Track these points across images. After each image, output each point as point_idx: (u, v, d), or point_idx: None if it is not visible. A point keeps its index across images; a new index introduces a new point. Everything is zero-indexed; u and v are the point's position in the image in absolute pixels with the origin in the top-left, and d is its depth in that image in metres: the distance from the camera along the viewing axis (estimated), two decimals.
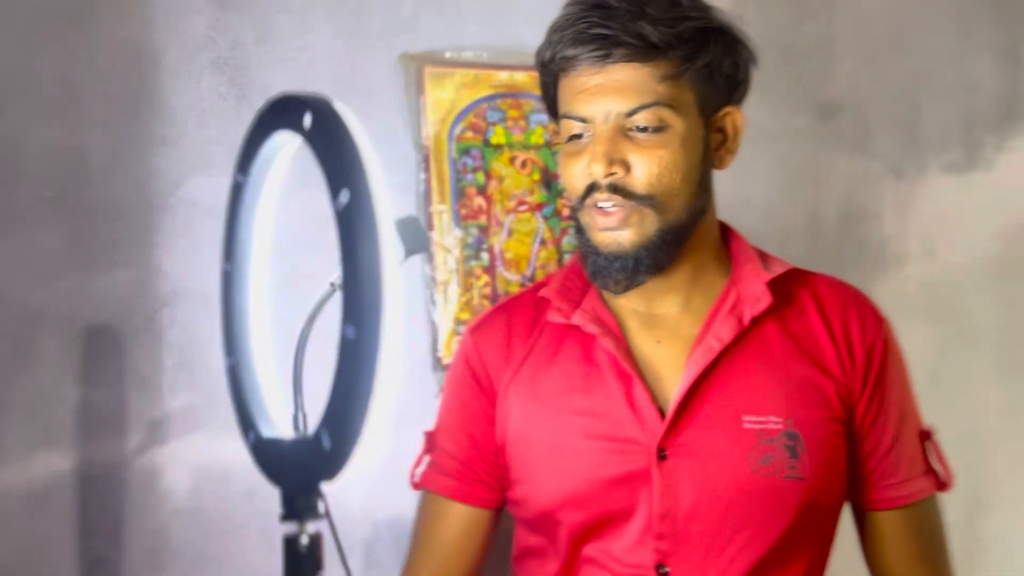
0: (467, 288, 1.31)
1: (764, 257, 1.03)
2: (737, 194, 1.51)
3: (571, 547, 0.98)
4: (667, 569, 0.94)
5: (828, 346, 1.00)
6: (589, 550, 0.98)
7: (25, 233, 1.13)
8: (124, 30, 1.19)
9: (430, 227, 1.30)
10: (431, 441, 1.08)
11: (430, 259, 1.30)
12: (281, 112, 0.72)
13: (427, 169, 1.30)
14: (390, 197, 1.28)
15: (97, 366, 1.14)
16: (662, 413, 0.96)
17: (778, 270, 1.01)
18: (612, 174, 0.92)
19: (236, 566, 1.20)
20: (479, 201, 1.32)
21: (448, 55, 1.32)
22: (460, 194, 1.31)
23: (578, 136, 0.95)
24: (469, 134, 1.33)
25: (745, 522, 0.94)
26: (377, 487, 1.26)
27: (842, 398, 0.99)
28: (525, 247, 1.34)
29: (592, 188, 0.93)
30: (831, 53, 1.58)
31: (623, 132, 0.92)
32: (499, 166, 1.34)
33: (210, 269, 1.21)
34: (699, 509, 0.94)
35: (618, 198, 0.92)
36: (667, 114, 0.92)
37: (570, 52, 0.93)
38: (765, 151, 1.53)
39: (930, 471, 1.03)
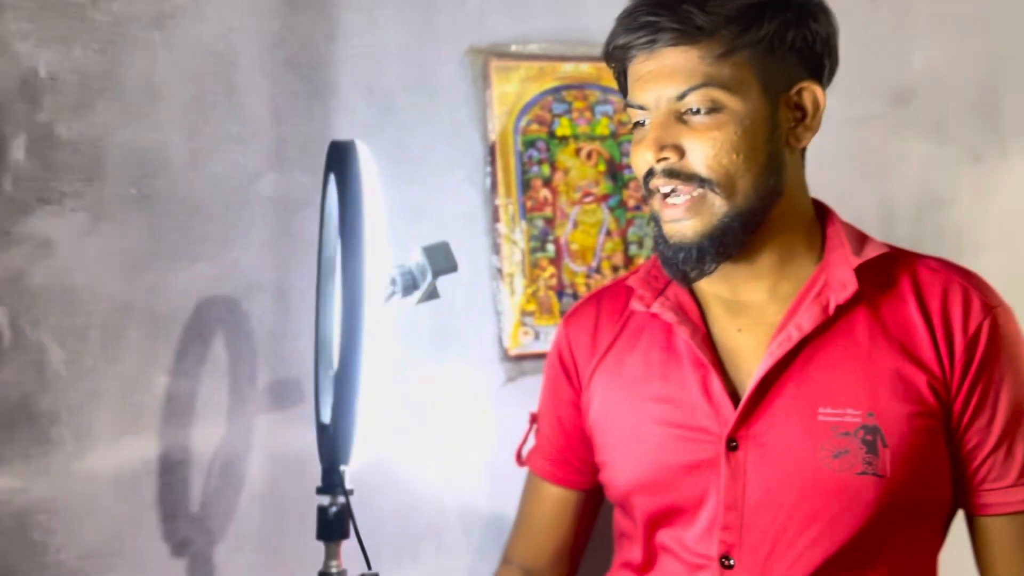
0: (533, 280, 1.32)
1: (862, 240, 0.99)
2: (808, 182, 1.49)
3: (647, 532, 0.99)
4: (732, 561, 0.93)
5: (923, 335, 0.93)
6: (662, 536, 0.98)
7: (112, 229, 1.18)
8: (203, 33, 1.23)
9: (496, 219, 1.32)
10: (533, 422, 1.13)
11: (496, 251, 1.32)
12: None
13: (493, 163, 1.32)
14: (455, 192, 1.31)
15: (180, 356, 1.19)
16: (737, 403, 0.94)
17: (869, 254, 0.96)
18: (664, 159, 0.91)
19: (312, 549, 1.24)
20: (545, 193, 1.33)
21: (514, 48, 1.33)
22: (526, 186, 1.32)
23: (641, 123, 0.95)
24: (535, 126, 1.34)
25: (814, 518, 0.91)
26: (446, 476, 1.28)
27: (937, 392, 0.92)
28: (591, 238, 1.35)
29: (650, 174, 0.93)
30: (906, 37, 1.54)
31: (677, 116, 0.92)
32: (565, 158, 1.34)
33: (285, 262, 1.26)
34: (766, 502, 0.92)
35: (676, 182, 0.91)
36: (719, 94, 0.90)
37: (621, 41, 0.94)
38: (836, 137, 1.50)
39: None
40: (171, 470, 1.18)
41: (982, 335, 0.93)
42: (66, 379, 1.15)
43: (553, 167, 1.34)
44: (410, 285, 0.81)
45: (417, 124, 1.30)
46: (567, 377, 1.08)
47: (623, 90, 0.99)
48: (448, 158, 1.31)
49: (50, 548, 1.13)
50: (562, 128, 1.34)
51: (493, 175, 1.32)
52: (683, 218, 0.92)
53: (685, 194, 0.92)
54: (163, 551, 1.17)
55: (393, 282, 0.81)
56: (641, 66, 0.93)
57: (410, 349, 1.28)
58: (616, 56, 0.96)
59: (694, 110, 0.91)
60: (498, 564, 1.17)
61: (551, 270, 1.33)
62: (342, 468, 0.77)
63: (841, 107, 1.50)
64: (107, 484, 1.16)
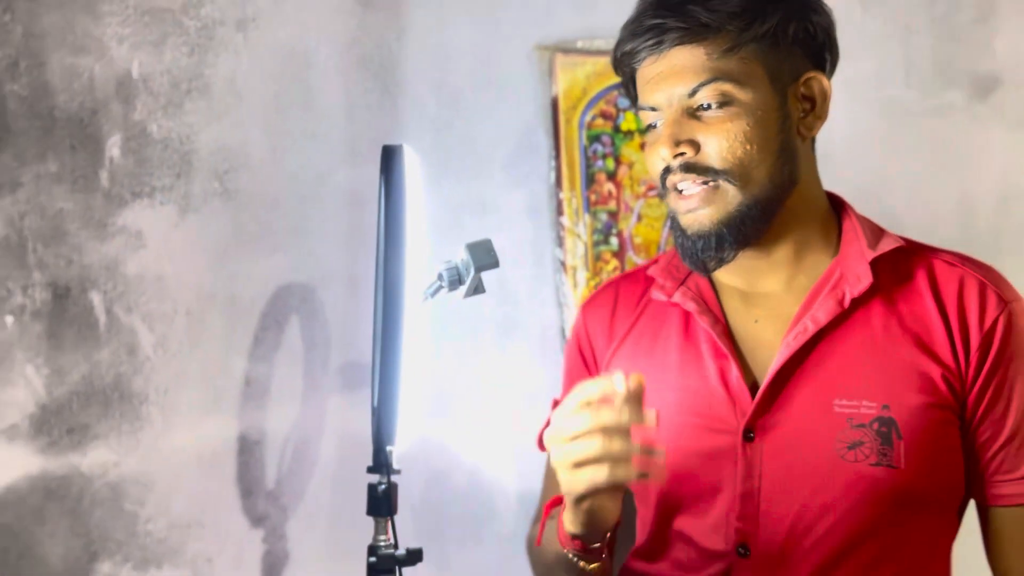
0: (596, 272, 1.34)
1: (878, 234, 0.99)
2: (878, 175, 1.46)
3: (661, 519, 1.00)
4: (748, 550, 0.93)
5: (939, 328, 0.94)
6: (678, 524, 0.99)
7: (198, 222, 1.26)
8: (282, 34, 1.30)
9: (560, 213, 1.35)
10: (555, 407, 1.15)
11: (560, 244, 1.34)
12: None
13: (558, 157, 1.34)
14: (521, 186, 1.34)
15: (258, 341, 1.26)
16: (754, 393, 0.95)
17: (885, 247, 0.96)
18: (680, 154, 0.93)
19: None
20: (609, 187, 1.35)
21: (580, 44, 1.35)
22: (590, 180, 1.35)
23: (653, 126, 0.97)
24: (600, 121, 1.35)
25: (829, 508, 0.91)
26: (509, 461, 1.32)
27: (952, 385, 0.93)
28: (655, 232, 1.36)
29: (667, 172, 0.94)
30: (986, 25, 1.49)
31: (690, 113, 0.93)
32: (629, 152, 1.36)
33: (357, 253, 1.32)
34: (781, 492, 0.93)
35: (693, 176, 0.93)
36: (730, 88, 0.92)
37: (628, 47, 0.96)
38: (909, 130, 1.47)
39: None
40: (249, 449, 1.26)
41: (998, 329, 0.93)
42: (155, 361, 1.24)
43: (618, 161, 1.36)
44: (455, 280, 0.85)
45: (484, 119, 1.34)
46: (585, 365, 1.09)
47: (632, 98, 1.02)
48: (514, 153, 1.35)
49: (140, 518, 1.22)
50: (627, 123, 1.36)
51: (558, 169, 1.34)
52: (699, 208, 0.93)
53: (700, 185, 0.93)
54: (242, 524, 1.25)
55: (440, 277, 0.85)
56: (650, 68, 0.95)
57: (477, 339, 1.33)
58: (624, 62, 0.98)
59: (705, 105, 0.93)
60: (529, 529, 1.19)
61: (614, 263, 1.35)
62: (388, 448, 0.82)
63: (916, 99, 1.48)
64: (191, 460, 1.24)
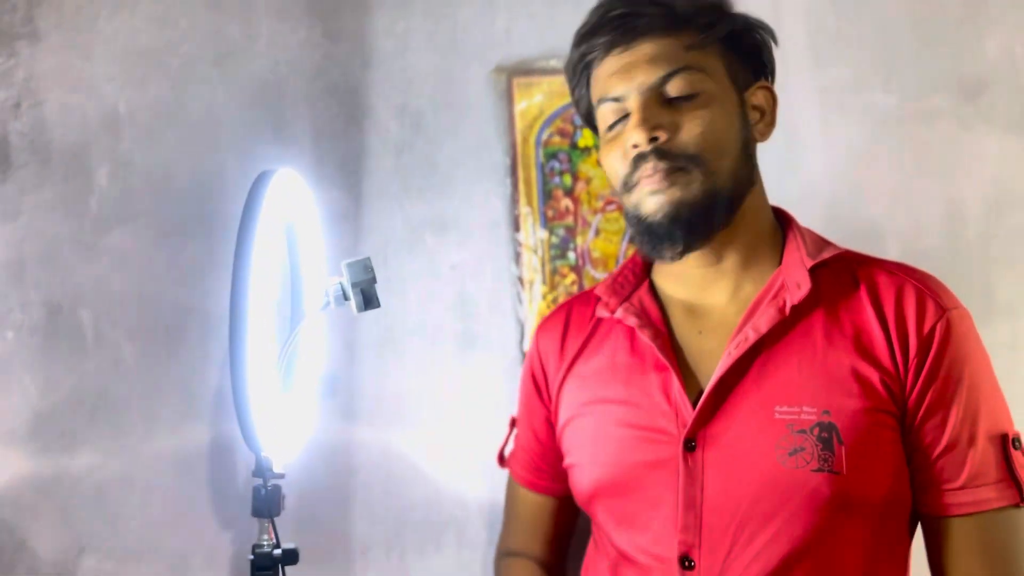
0: (553, 287, 1.37)
1: (820, 244, 1.00)
2: (857, 185, 1.43)
3: (610, 536, 1.02)
4: (692, 561, 0.93)
5: (879, 335, 0.93)
6: (623, 539, 1.00)
7: (176, 243, 1.36)
8: (255, 67, 1.39)
9: (517, 228, 1.38)
10: (513, 426, 1.19)
11: (516, 259, 1.38)
12: None
13: (515, 173, 1.38)
14: (480, 203, 1.38)
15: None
16: (697, 404, 0.96)
17: (824, 256, 0.97)
18: (655, 139, 0.93)
19: (335, 525, 1.36)
20: (566, 203, 1.38)
21: (537, 64, 1.39)
22: (547, 196, 1.37)
23: (615, 123, 0.98)
24: (557, 139, 1.38)
25: (772, 516, 0.91)
26: (468, 472, 1.36)
27: (892, 390, 0.92)
28: (613, 245, 1.37)
29: (639, 160, 0.94)
30: (976, 26, 1.44)
31: (660, 102, 0.94)
32: (587, 168, 1.38)
33: (332, 273, 1.39)
34: (724, 501, 0.92)
35: (665, 162, 0.93)
36: (699, 78, 0.94)
37: (597, 39, 0.97)
38: (890, 136, 1.43)
39: (1007, 481, 0.92)
40: (221, 454, 1.34)
41: (936, 336, 0.93)
42: (137, 372, 1.34)
43: (575, 177, 1.38)
44: (340, 296, 0.90)
45: (445, 140, 1.39)
46: (538, 393, 1.12)
47: (584, 108, 1.03)
48: (474, 171, 1.39)
49: (122, 516, 1.33)
50: (584, 139, 1.38)
51: (515, 186, 1.38)
52: (666, 188, 0.94)
53: (666, 167, 0.94)
54: (214, 524, 1.34)
55: (326, 294, 0.91)
56: (615, 60, 0.96)
57: (437, 351, 1.37)
58: (586, 58, 1.00)
59: (676, 94, 0.94)
60: (495, 557, 1.23)
61: (572, 277, 1.37)
62: (263, 455, 0.88)
63: (897, 104, 1.44)
64: (169, 464, 1.33)
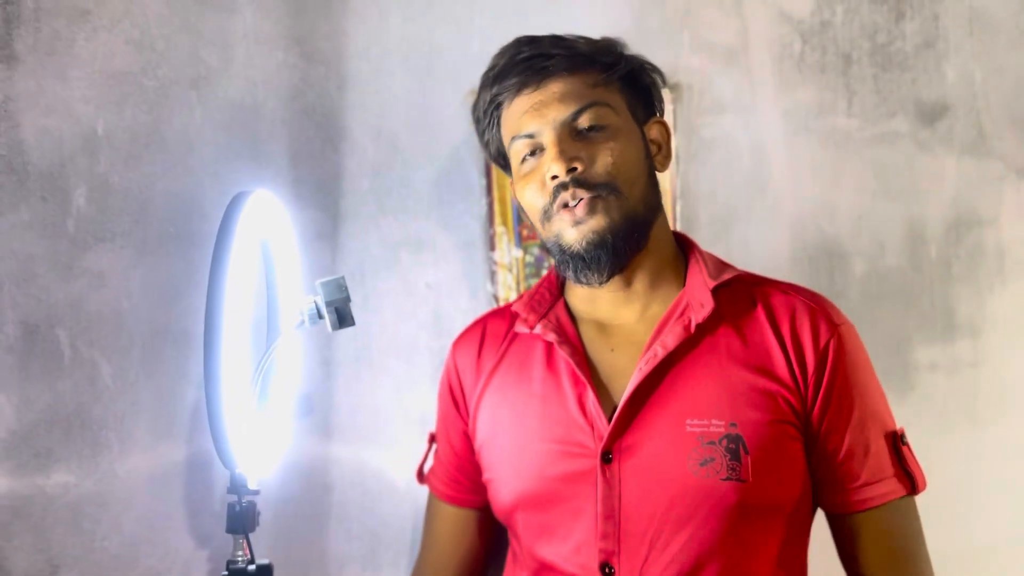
0: None
1: (720, 267, 1.07)
2: (820, 205, 1.47)
3: (530, 549, 1.05)
4: (612, 568, 0.99)
5: (777, 353, 1.01)
6: (544, 551, 1.04)
7: (153, 263, 1.37)
8: (232, 90, 1.41)
9: (492, 248, 1.41)
10: (432, 442, 1.22)
11: (492, 277, 1.40)
12: None
13: (490, 193, 1.41)
14: (456, 223, 1.41)
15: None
16: (612, 418, 1.01)
17: (724, 277, 1.04)
18: (573, 169, 1.00)
19: (316, 541, 1.37)
20: None
21: None
22: (521, 216, 1.40)
23: (529, 156, 1.03)
24: None
25: (685, 522, 0.97)
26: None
27: (791, 403, 0.99)
28: None
29: (559, 190, 1.01)
30: (937, 52, 1.49)
31: (572, 135, 1.01)
32: None
33: (308, 292, 1.40)
34: (639, 509, 0.98)
35: (583, 190, 1.00)
36: (606, 112, 1.02)
37: (508, 81, 1.04)
38: (852, 159, 1.48)
39: (900, 474, 1.01)
40: (196, 472, 1.35)
41: (830, 350, 1.01)
42: (113, 391, 1.35)
43: None
44: (315, 315, 0.92)
45: (421, 161, 1.42)
46: (455, 407, 1.16)
47: (494, 149, 1.09)
48: (449, 192, 1.42)
49: (96, 536, 1.33)
50: None
51: (490, 206, 1.41)
52: (589, 217, 1.01)
53: (588, 197, 1.00)
54: (189, 543, 1.34)
55: (301, 313, 0.93)
56: (526, 99, 1.03)
57: (412, 370, 1.39)
58: (497, 99, 1.06)
59: (586, 128, 1.02)
60: None
61: None
62: (238, 472, 0.89)
63: (859, 127, 1.48)
64: (144, 482, 1.34)
